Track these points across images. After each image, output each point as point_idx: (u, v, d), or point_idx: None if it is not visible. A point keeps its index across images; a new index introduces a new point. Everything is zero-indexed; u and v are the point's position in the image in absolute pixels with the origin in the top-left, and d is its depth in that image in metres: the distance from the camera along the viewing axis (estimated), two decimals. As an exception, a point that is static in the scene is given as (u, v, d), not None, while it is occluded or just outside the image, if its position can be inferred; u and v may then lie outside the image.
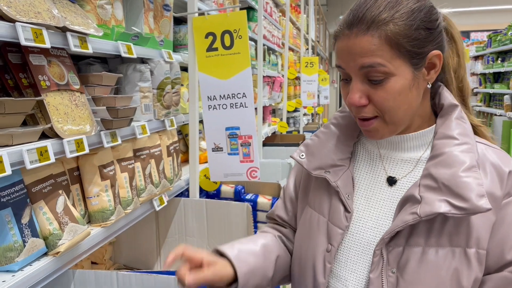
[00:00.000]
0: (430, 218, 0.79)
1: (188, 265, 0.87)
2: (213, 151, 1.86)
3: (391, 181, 0.89)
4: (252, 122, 1.80)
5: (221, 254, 0.93)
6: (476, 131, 0.91)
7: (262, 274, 0.95)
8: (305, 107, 5.42)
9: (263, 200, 2.25)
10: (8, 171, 0.89)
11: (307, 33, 6.86)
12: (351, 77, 0.83)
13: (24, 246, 1.01)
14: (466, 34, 11.15)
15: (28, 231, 1.03)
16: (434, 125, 0.89)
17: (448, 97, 0.90)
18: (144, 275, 1.13)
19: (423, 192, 0.81)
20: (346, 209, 0.89)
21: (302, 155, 0.96)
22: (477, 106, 7.42)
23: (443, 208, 0.77)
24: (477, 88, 7.50)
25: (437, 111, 0.91)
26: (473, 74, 7.50)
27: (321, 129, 0.99)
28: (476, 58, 7.72)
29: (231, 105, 1.79)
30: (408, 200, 0.83)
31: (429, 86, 0.86)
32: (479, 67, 7.47)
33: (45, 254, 1.08)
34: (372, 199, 0.90)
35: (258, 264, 0.94)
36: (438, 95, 0.91)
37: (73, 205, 1.22)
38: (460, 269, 0.81)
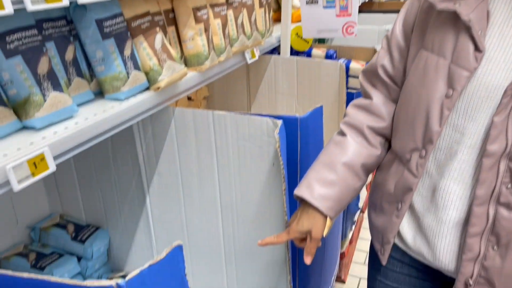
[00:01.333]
0: None
1: (296, 241, 0.99)
2: (307, 4, 1.73)
3: None
4: (354, -31, 1.60)
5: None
6: None
7: (350, 191, 0.95)
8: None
9: (356, 66, 2.12)
10: (108, -5, 0.89)
11: None
12: None
13: (128, 77, 1.06)
14: None
15: (130, 64, 1.07)
16: None
17: None
18: (238, 115, 1.16)
19: None
20: (477, 48, 0.76)
21: None
22: None
23: None
24: None
25: None
26: None
27: None
28: None
29: (331, -51, 1.60)
30: None
31: None
32: None
33: (147, 89, 1.14)
34: (508, 36, 0.76)
35: (341, 190, 0.94)
36: None
37: (170, 45, 1.24)
38: None
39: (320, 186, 0.93)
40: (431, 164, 0.86)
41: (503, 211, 0.77)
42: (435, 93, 0.81)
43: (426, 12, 0.86)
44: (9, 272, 0.66)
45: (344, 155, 0.96)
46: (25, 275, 0.65)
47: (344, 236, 2.13)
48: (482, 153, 0.77)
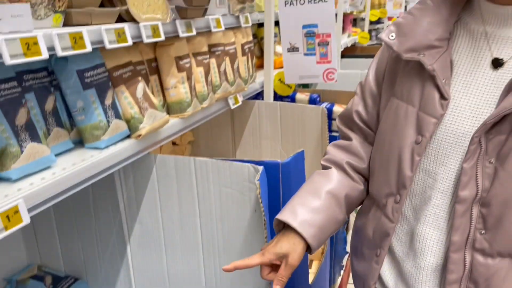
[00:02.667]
0: None
1: (265, 270, 0.91)
2: (288, 51, 1.78)
3: (497, 63, 0.77)
4: (332, 19, 1.67)
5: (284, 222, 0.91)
6: None
7: (333, 222, 0.92)
8: (390, 18, 5.00)
9: (339, 109, 2.17)
10: (89, 47, 0.91)
11: None
12: None
13: (109, 126, 1.07)
14: None
15: (111, 113, 1.08)
16: None
17: None
18: (219, 161, 1.16)
19: None
20: (442, 96, 0.79)
21: (392, 36, 0.84)
22: None
23: None
24: None
25: None
26: None
27: (416, 6, 0.86)
28: None
29: (309, 0, 1.67)
30: None
31: None
32: None
33: (128, 137, 1.14)
34: (472, 85, 0.79)
35: (325, 218, 0.91)
36: None
37: (152, 94, 1.26)
38: None
39: (305, 211, 0.90)
40: (408, 209, 0.87)
41: (479, 257, 0.77)
42: (405, 140, 0.83)
43: (395, 61, 0.90)
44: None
45: (329, 183, 0.95)
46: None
47: (332, 281, 2.09)
48: (455, 198, 0.78)
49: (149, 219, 1.32)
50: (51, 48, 0.83)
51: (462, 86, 0.80)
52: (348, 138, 1.02)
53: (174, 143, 2.03)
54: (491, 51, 0.79)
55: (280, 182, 1.21)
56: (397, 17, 4.88)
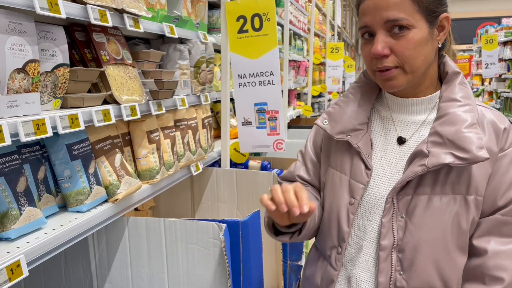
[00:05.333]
0: (436, 168, 0.93)
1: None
2: (242, 125, 2.04)
3: (401, 140, 1.03)
4: (279, 98, 1.97)
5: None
6: None
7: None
8: (330, 93, 5.52)
9: (288, 174, 2.41)
10: (82, 126, 1.10)
11: (333, 19, 6.93)
12: (375, 33, 0.94)
13: (91, 191, 1.22)
14: (497, 20, 10.89)
15: (93, 180, 1.24)
16: (439, 91, 1.02)
17: (451, 65, 1.03)
18: (187, 221, 1.33)
19: (430, 147, 0.94)
20: (366, 167, 1.02)
21: (325, 122, 1.07)
22: (504, 92, 7.33)
23: (448, 159, 0.91)
24: (505, 74, 7.40)
25: (442, 78, 1.04)
26: (501, 60, 7.40)
27: (341, 98, 1.11)
28: (505, 43, 7.60)
29: (260, 82, 1.97)
30: (417, 155, 0.96)
31: (439, 45, 0.98)
32: (508, 53, 7.35)
33: (106, 201, 1.30)
34: (386, 157, 1.03)
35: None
36: (443, 64, 1.04)
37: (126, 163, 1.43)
38: (460, 213, 0.95)
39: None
40: (346, 258, 1.07)
41: None
42: (342, 202, 1.05)
43: (328, 139, 1.14)
44: None
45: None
46: None
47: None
48: (379, 247, 1.00)
49: (119, 278, 1.43)
50: (54, 127, 1.01)
51: (379, 159, 1.05)
52: None
53: (136, 209, 2.16)
54: (397, 131, 1.05)
55: (240, 239, 1.40)
56: (337, 91, 5.41)
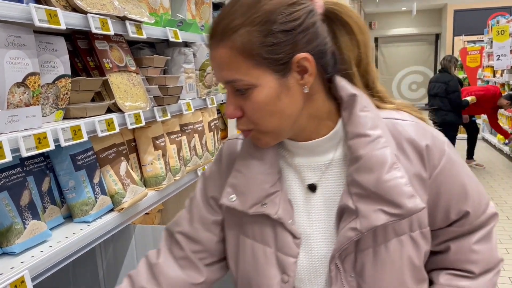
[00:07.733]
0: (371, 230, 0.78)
1: None
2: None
3: (312, 188, 0.85)
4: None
5: None
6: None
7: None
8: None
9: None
10: (85, 137, 1.08)
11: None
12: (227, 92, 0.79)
13: (96, 201, 1.21)
14: (508, 10, 10.68)
15: (98, 190, 1.23)
16: (340, 120, 0.84)
17: (345, 86, 0.81)
18: (193, 229, 1.32)
19: (356, 202, 0.79)
20: (294, 236, 0.83)
21: (232, 198, 0.83)
22: (517, 84, 7.19)
23: (381, 220, 0.77)
24: (518, 66, 7.24)
25: (339, 102, 0.84)
26: (513, 51, 7.24)
27: (239, 163, 0.86)
28: (517, 34, 7.43)
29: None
30: (344, 211, 0.81)
31: (306, 90, 0.77)
32: (520, 44, 7.19)
33: (111, 210, 1.29)
34: (311, 213, 0.85)
35: None
36: (334, 88, 0.82)
37: (132, 170, 1.42)
38: (410, 253, 0.84)
39: None
40: None
41: None
42: (272, 280, 0.84)
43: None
44: None
45: None
46: None
47: None
48: None
49: (127, 286, 1.42)
50: (56, 140, 1.00)
51: (305, 217, 0.85)
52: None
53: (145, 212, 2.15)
54: (307, 179, 0.85)
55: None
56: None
